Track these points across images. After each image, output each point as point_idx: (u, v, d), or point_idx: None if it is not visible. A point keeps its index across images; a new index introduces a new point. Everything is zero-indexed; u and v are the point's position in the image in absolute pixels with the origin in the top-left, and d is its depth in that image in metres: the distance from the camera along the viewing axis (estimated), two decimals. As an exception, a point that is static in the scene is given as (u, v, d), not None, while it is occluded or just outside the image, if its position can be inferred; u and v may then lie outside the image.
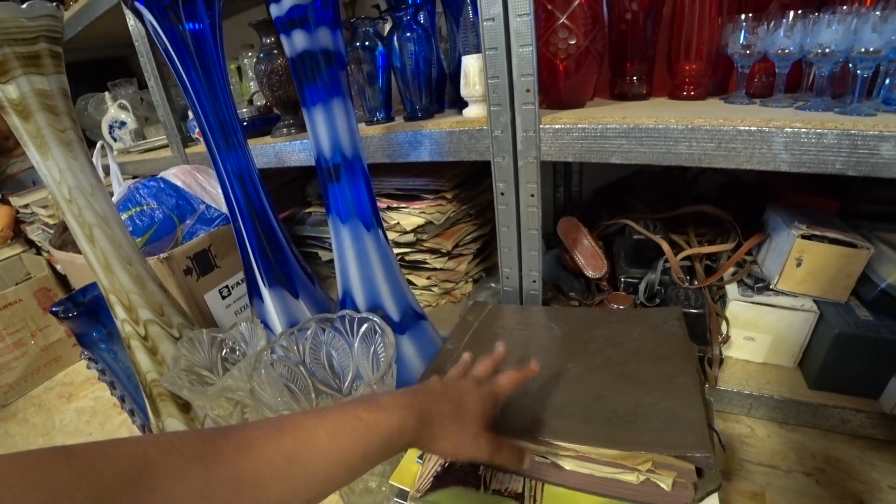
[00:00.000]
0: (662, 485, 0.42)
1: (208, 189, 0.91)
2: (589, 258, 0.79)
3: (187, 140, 1.15)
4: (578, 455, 0.45)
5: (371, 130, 0.78)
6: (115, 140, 1.47)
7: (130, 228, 0.81)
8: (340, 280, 0.71)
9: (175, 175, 0.90)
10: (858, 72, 0.49)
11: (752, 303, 0.69)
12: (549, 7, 0.62)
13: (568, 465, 0.46)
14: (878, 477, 0.58)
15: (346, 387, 0.68)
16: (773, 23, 0.56)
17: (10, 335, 1.09)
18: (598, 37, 0.65)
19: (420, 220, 0.88)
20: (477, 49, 0.68)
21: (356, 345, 0.66)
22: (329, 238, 1.14)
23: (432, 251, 0.93)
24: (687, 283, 0.73)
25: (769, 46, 0.57)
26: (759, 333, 0.70)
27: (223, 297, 0.88)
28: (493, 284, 0.94)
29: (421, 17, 0.79)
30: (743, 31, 0.60)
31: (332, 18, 0.56)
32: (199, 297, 0.84)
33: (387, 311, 0.71)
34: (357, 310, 0.70)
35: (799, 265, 0.66)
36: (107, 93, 1.50)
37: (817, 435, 0.64)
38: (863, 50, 0.48)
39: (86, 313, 0.74)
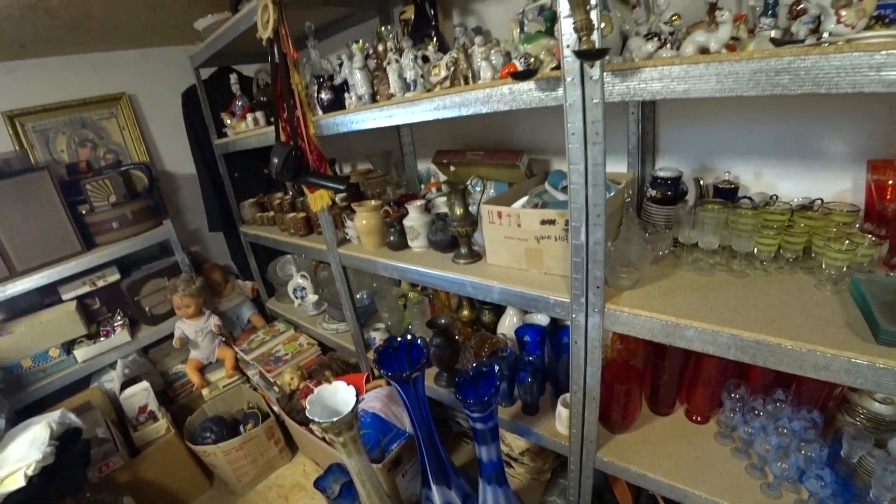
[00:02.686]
0: None
1: (397, 414, 1.58)
2: (622, 495, 1.40)
3: (368, 348, 1.82)
4: None
5: (502, 414, 1.41)
6: (296, 299, 2.19)
7: (357, 441, 1.50)
8: (482, 496, 1.36)
9: (378, 408, 1.58)
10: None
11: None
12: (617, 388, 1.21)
13: None
14: None
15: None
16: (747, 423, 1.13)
17: (249, 456, 1.84)
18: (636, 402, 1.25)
19: (526, 446, 1.52)
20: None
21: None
22: (460, 415, 1.81)
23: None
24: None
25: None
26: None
27: (402, 476, 1.56)
28: (562, 480, 1.57)
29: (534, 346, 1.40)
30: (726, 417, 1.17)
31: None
32: (393, 480, 1.52)
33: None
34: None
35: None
36: (292, 257, 2.22)
37: None
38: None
39: (341, 495, 1.43)
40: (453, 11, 1.59)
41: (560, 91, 0.89)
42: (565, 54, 0.85)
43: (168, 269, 2.16)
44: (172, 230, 2.10)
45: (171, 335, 2.12)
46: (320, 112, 1.47)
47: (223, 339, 2.16)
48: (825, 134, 1.10)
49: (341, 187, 1.40)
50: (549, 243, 1.13)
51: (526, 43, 0.98)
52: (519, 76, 0.89)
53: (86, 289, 2.05)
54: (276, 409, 1.93)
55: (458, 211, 1.27)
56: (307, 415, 1.15)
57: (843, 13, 0.72)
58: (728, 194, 1.19)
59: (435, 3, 1.40)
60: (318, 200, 1.57)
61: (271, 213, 2.11)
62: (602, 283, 0.99)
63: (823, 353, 0.79)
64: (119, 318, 2.10)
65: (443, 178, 1.82)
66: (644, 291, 1.06)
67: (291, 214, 1.91)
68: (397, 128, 1.91)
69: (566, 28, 0.83)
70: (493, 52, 1.04)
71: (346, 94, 1.39)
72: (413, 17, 1.41)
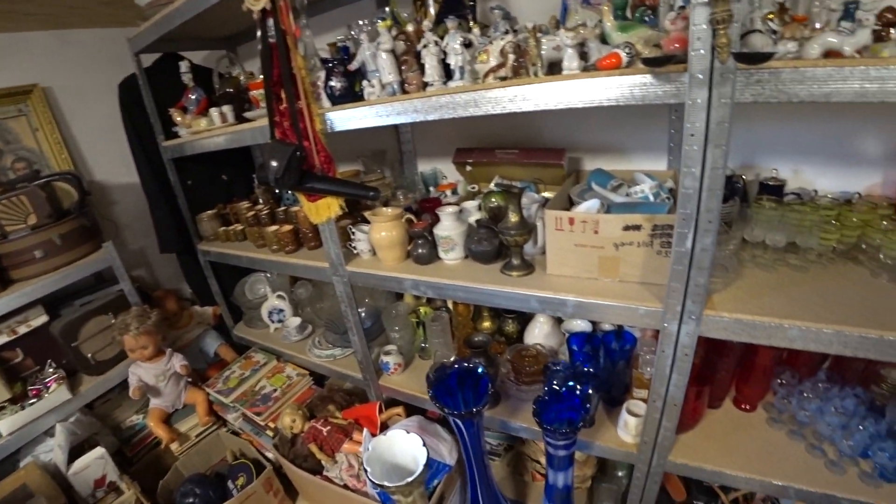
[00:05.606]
0: None
1: (434, 447, 1.43)
2: (675, 490, 1.43)
3: (379, 374, 1.67)
4: None
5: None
6: (272, 323, 1.95)
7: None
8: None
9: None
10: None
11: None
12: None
13: None
14: None
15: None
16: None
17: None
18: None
19: (568, 458, 1.48)
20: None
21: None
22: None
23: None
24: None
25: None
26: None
27: (442, 511, 1.46)
28: (605, 485, 1.57)
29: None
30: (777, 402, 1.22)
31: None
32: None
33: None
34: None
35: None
36: (264, 275, 1.97)
37: None
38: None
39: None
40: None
41: (681, 88, 0.85)
42: (695, 48, 0.81)
43: (112, 303, 1.80)
44: (115, 254, 1.75)
45: (123, 384, 1.78)
46: (327, 103, 1.30)
47: (189, 380, 1.86)
48: (864, 134, 1.19)
49: (370, 194, 1.25)
50: (630, 250, 1.10)
51: (622, 31, 0.92)
52: (652, 62, 0.83)
53: (3, 339, 1.65)
54: (269, 455, 1.70)
55: (514, 218, 1.19)
56: (369, 478, 1.01)
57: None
58: (775, 191, 1.25)
59: (473, -20, 1.28)
60: (324, 210, 1.40)
61: (240, 227, 1.85)
62: (704, 291, 0.98)
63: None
64: (52, 371, 1.71)
65: (449, 179, 1.72)
66: (730, 294, 1.06)
67: (273, 228, 1.68)
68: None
69: (698, 18, 0.79)
70: (574, 39, 0.96)
71: (366, 82, 1.23)
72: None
